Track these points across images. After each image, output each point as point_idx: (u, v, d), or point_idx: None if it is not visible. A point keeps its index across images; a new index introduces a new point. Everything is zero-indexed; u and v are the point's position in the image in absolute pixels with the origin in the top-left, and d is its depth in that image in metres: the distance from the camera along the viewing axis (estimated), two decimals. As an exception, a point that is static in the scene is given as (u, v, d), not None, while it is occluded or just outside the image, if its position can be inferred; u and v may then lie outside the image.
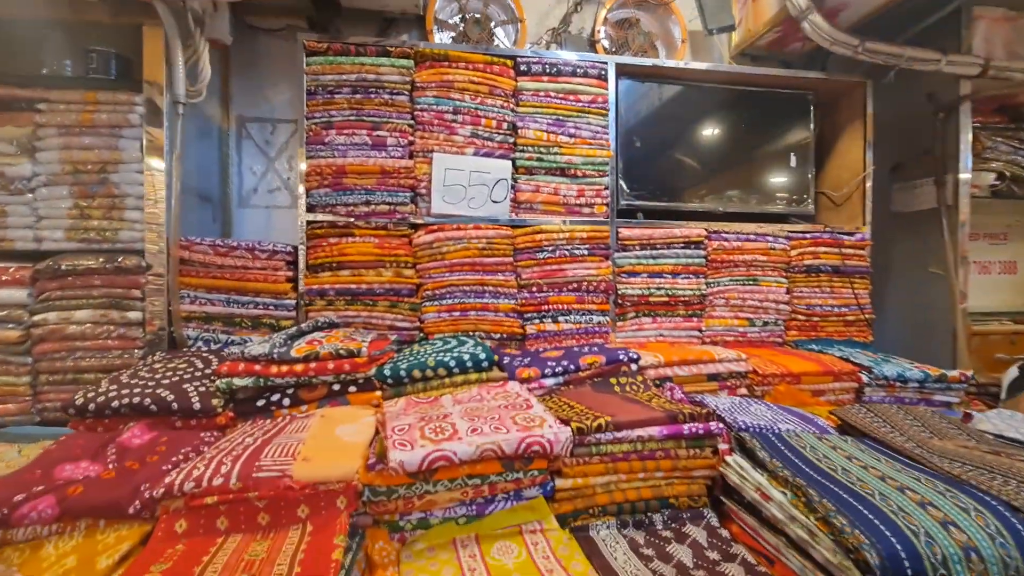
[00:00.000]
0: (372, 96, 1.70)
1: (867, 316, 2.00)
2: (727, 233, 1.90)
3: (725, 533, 0.98)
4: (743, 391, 1.50)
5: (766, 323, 1.93)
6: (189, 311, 1.58)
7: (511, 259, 1.78)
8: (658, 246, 1.86)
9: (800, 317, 1.95)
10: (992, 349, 2.09)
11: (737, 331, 1.90)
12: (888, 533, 0.73)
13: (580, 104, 1.82)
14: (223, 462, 0.90)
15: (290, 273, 1.67)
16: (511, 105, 1.80)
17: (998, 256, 2.58)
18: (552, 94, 1.80)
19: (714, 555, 0.90)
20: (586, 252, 1.81)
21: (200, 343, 1.58)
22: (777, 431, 1.09)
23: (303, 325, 1.51)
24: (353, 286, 1.67)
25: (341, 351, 1.26)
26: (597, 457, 1.02)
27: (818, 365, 1.57)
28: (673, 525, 1.00)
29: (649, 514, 1.02)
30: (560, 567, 0.81)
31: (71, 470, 0.93)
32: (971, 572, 0.71)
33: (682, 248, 1.87)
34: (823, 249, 1.96)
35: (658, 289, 1.84)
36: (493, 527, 0.94)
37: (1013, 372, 1.70)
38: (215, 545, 0.80)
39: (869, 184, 2.05)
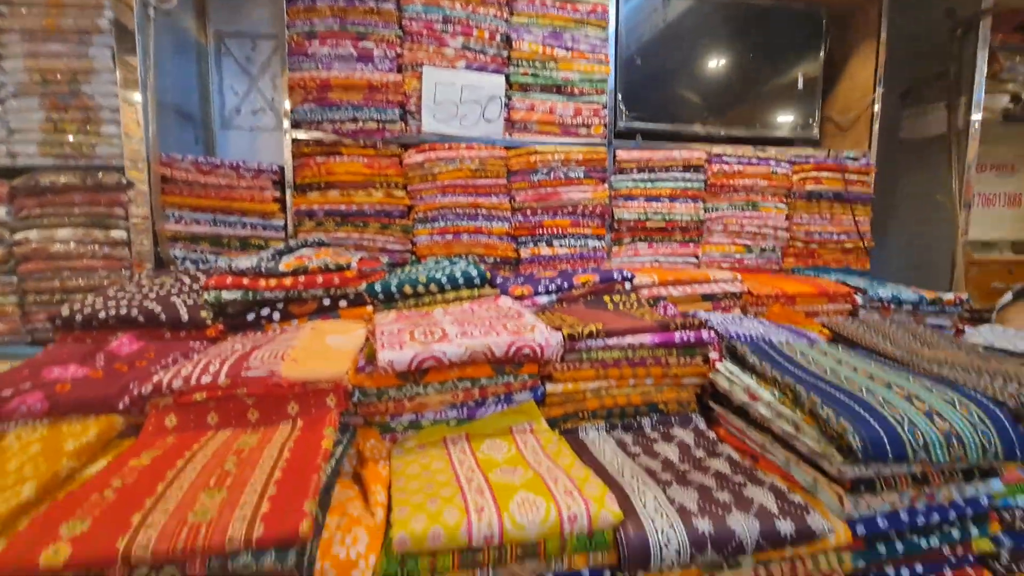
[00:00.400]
0: (356, 3, 1.59)
1: (866, 244, 1.97)
2: (728, 157, 1.84)
3: (712, 435, 1.00)
4: (737, 311, 1.50)
5: (763, 250, 1.90)
6: (175, 231, 1.55)
7: (505, 181, 1.73)
8: (656, 169, 1.81)
9: (798, 244, 1.93)
10: (990, 278, 2.08)
11: (734, 257, 1.88)
12: (872, 420, 0.74)
13: (578, 15, 1.72)
14: (211, 363, 0.89)
15: (277, 194, 1.63)
16: (505, 15, 1.70)
17: (1004, 188, 2.54)
18: (549, 3, 1.69)
19: (699, 453, 0.92)
20: (582, 175, 1.76)
21: (188, 264, 1.56)
22: (768, 340, 1.09)
23: (291, 242, 1.48)
24: (343, 207, 1.63)
25: (330, 265, 1.24)
26: (588, 363, 1.02)
27: (813, 287, 1.56)
28: (661, 428, 1.02)
29: (638, 418, 1.03)
30: (548, 460, 0.83)
31: (59, 372, 0.93)
32: (950, 455, 0.72)
33: (681, 172, 1.82)
34: (826, 174, 1.91)
35: (655, 214, 1.80)
36: (483, 429, 0.95)
37: (1007, 297, 1.70)
38: (206, 436, 0.80)
39: (877, 108, 1.98)
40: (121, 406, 0.84)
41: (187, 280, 1.33)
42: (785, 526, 0.70)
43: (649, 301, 1.43)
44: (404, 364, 0.88)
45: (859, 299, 1.54)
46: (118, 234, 1.48)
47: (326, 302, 1.26)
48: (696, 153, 1.82)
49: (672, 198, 1.82)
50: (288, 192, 1.62)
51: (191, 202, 1.55)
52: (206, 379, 0.85)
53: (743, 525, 0.70)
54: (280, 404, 0.86)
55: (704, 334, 1.07)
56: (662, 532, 0.68)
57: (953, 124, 1.94)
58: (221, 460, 0.72)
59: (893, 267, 2.18)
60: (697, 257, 1.86)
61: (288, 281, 1.22)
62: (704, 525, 0.69)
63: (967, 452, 0.73)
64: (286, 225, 1.63)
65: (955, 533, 0.82)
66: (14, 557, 0.52)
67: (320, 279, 1.23)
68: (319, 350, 1.00)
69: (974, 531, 0.82)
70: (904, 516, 0.78)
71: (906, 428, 0.73)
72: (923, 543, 0.80)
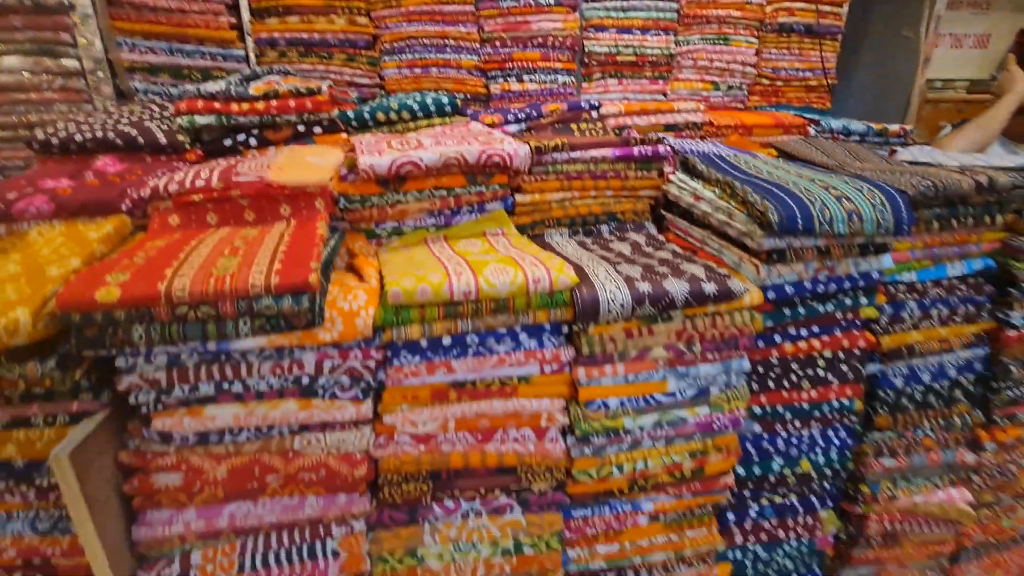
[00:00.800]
0: None
1: (830, 81, 2.01)
2: (704, -17, 1.79)
3: (661, 238, 1.14)
4: (700, 139, 1.58)
5: (730, 87, 1.93)
6: (131, 61, 1.49)
7: (472, 8, 1.66)
8: (629, -3, 1.76)
9: (764, 82, 1.96)
10: (940, 117, 2.18)
11: (701, 95, 1.92)
12: (790, 201, 0.87)
13: None
14: (202, 171, 0.95)
15: (233, 19, 1.55)
16: None
17: (974, 29, 2.53)
18: None
19: (648, 248, 1.06)
20: (552, 1, 1.69)
21: (150, 95, 1.52)
22: (718, 153, 1.19)
23: (256, 68, 1.45)
24: (304, 35, 1.57)
25: (301, 90, 1.25)
26: (553, 175, 1.11)
27: (771, 119, 1.63)
28: (618, 232, 1.15)
29: (598, 225, 1.16)
30: (517, 249, 0.95)
31: (53, 183, 0.98)
32: (851, 229, 0.87)
33: (655, 0, 1.77)
34: (799, 5, 1.88)
35: (626, 47, 1.78)
36: (460, 233, 1.06)
37: (946, 129, 1.81)
38: (208, 232, 0.90)
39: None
40: (124, 208, 0.91)
41: (156, 108, 1.32)
42: (709, 287, 0.86)
43: (615, 130, 1.49)
44: (384, 168, 0.96)
45: (811, 130, 1.63)
46: (70, 63, 1.42)
47: (301, 128, 1.28)
48: (672, -22, 1.76)
49: (644, 29, 1.79)
50: (245, 17, 1.54)
51: (142, 28, 1.47)
52: (200, 183, 0.91)
53: (676, 287, 0.85)
54: (273, 205, 0.94)
55: (660, 148, 1.16)
56: (610, 292, 0.83)
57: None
58: (230, 241, 0.82)
59: (852, 107, 2.25)
60: (665, 95, 1.89)
61: (261, 105, 1.23)
62: (644, 287, 0.84)
63: (864, 226, 0.88)
64: (247, 55, 1.57)
65: (848, 301, 1.00)
66: (73, 295, 0.63)
67: (292, 103, 1.24)
68: (301, 165, 1.06)
69: (863, 300, 1.01)
70: (808, 285, 0.95)
71: (817, 207, 0.87)
72: (821, 308, 0.99)
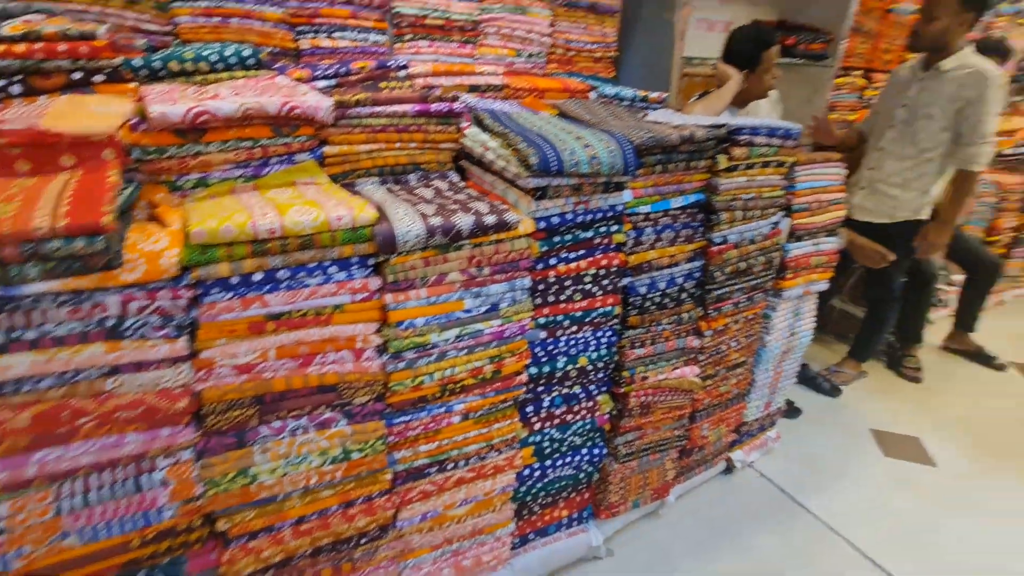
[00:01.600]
0: None
1: (612, 53, 2.37)
2: (499, -45, 1.96)
3: (462, 184, 1.32)
4: (500, 100, 1.79)
5: (531, 55, 2.17)
6: None
7: (272, -42, 1.63)
8: (432, -37, 1.86)
9: (559, 51, 2.23)
10: (694, 88, 2.69)
11: (506, 61, 2.12)
12: (548, 149, 1.10)
13: None
14: (-49, 118, 0.87)
15: (-33, -56, 1.32)
16: None
17: (722, 16, 3.10)
18: None
19: (449, 193, 1.23)
20: (359, -41, 1.73)
21: None
22: (506, 112, 1.40)
23: (10, 6, 1.28)
24: (70, -30, 1.40)
25: (70, 32, 1.15)
26: (359, 128, 1.21)
27: (560, 84, 1.90)
28: (424, 181, 1.30)
29: (405, 175, 1.30)
30: (324, 195, 1.05)
31: None
32: (592, 167, 1.13)
33: (457, -32, 1.90)
34: (583, -16, 2.16)
35: (433, 11, 1.90)
36: (270, 183, 1.11)
37: (694, 97, 2.27)
38: (-27, 183, 0.84)
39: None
40: None
41: None
42: (490, 219, 1.06)
43: (422, 90, 1.62)
44: (178, 116, 0.97)
45: (592, 95, 1.93)
46: None
47: (76, 76, 1.18)
48: (470, -52, 1.90)
49: (450, -6, 1.92)
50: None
51: None
52: (-48, 131, 0.84)
53: (463, 220, 1.03)
54: (52, 155, 0.90)
55: (456, 105, 1.32)
56: (406, 226, 0.99)
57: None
58: (3, 189, 0.79)
59: (633, 76, 2.66)
60: (474, 59, 2.05)
61: (21, 48, 1.11)
62: (436, 221, 1.01)
63: (602, 168, 1.15)
64: (-6, -10, 1.36)
65: (603, 229, 1.29)
66: None
67: (62, 47, 1.14)
68: (83, 113, 1.01)
69: (614, 228, 1.31)
70: (570, 216, 1.21)
71: (567, 153, 1.11)
72: (583, 235, 1.26)
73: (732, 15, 3.13)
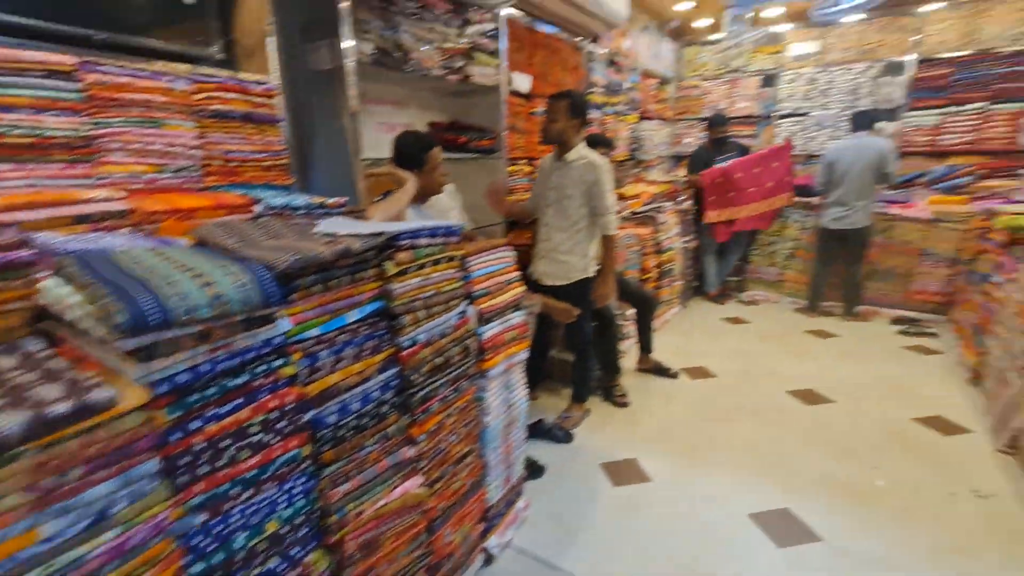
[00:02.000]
0: None
1: (283, 161, 2.27)
2: (108, 66, 1.69)
3: (47, 353, 0.98)
4: (126, 231, 1.48)
5: (180, 168, 1.90)
6: None
7: None
8: (4, 72, 1.49)
9: (217, 162, 2.02)
10: (382, 188, 2.79)
11: (145, 178, 1.80)
12: (145, 299, 0.88)
13: None
14: None
15: None
16: None
17: (400, 119, 3.35)
18: None
19: (13, 373, 0.89)
20: None
21: None
22: (104, 250, 1.13)
23: None
24: None
25: None
26: None
27: (212, 200, 1.69)
28: (-29, 362, 0.93)
29: (-66, 360, 0.90)
30: None
31: None
32: (217, 309, 0.96)
33: (45, 78, 1.56)
34: (231, 95, 2.03)
35: (13, 128, 1.50)
36: None
37: (377, 199, 2.32)
38: None
39: (272, 39, 2.22)
40: None
41: None
42: (62, 408, 0.78)
43: (-9, 230, 1.22)
44: None
45: (257, 208, 1.78)
46: None
47: None
48: (60, 57, 1.58)
49: (38, 109, 1.55)
50: None
51: None
52: None
53: (10, 421, 0.73)
54: None
55: (22, 253, 1.01)
56: None
57: (336, 62, 2.39)
58: None
59: (320, 180, 2.62)
60: (93, 179, 1.69)
61: None
62: (-48, 436, 0.69)
63: (231, 307, 0.98)
64: None
65: (262, 368, 1.11)
66: None
67: None
68: None
69: (277, 363, 1.14)
70: (205, 367, 1.00)
71: (176, 300, 0.91)
72: (234, 382, 1.06)
73: (408, 118, 3.42)
